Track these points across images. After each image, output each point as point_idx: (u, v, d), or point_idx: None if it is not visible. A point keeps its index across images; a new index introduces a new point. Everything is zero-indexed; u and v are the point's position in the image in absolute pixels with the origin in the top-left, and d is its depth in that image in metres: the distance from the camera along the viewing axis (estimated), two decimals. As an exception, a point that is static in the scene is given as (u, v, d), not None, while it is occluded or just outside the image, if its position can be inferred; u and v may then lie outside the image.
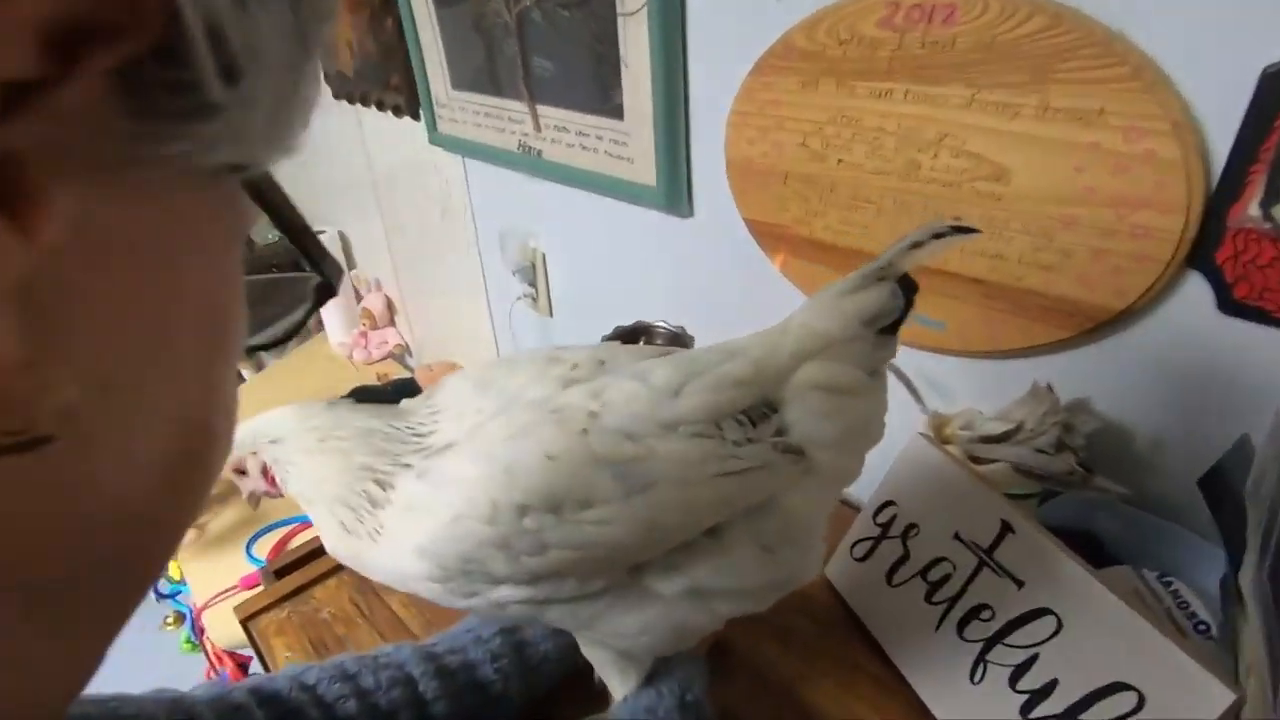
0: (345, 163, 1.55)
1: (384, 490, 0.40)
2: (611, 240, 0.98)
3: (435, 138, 1.17)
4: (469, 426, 0.41)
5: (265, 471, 0.45)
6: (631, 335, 0.76)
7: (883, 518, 0.59)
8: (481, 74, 1.02)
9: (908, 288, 0.42)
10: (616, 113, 0.85)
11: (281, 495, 0.45)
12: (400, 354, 1.72)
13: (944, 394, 0.68)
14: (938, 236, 0.41)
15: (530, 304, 1.17)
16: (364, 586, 0.65)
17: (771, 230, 0.74)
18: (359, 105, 1.38)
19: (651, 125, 0.80)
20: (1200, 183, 0.47)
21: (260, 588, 1.06)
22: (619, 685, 0.46)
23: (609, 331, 0.76)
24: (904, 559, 0.56)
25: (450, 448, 0.40)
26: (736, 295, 0.82)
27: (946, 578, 0.52)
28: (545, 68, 0.92)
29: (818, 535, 0.45)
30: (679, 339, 0.75)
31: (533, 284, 1.14)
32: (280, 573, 0.67)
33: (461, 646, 0.50)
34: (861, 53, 0.60)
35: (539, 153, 0.99)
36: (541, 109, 0.95)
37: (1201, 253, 0.49)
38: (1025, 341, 0.59)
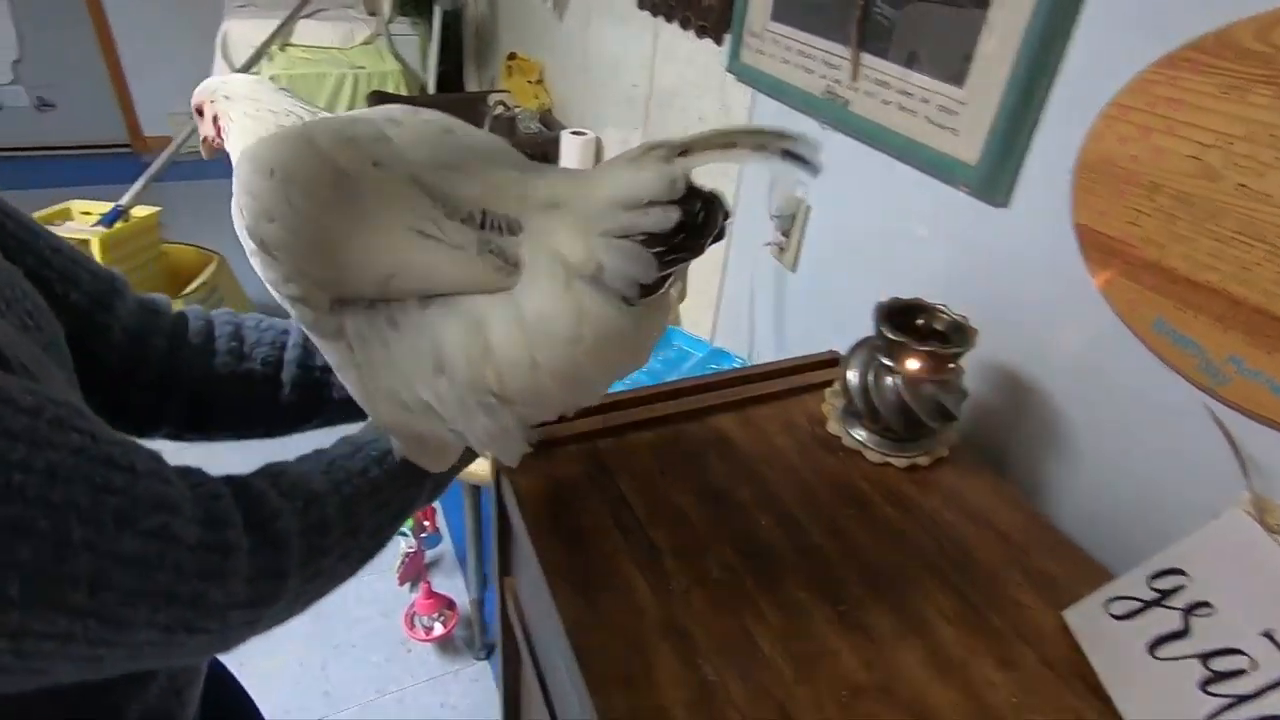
0: (627, 71, 1.60)
1: None
2: (893, 210, 0.93)
3: (735, 65, 1.17)
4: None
5: (215, 121, 0.49)
6: (908, 312, 0.73)
7: (1163, 584, 0.53)
8: (811, 11, 0.99)
9: (698, 202, 0.35)
10: (956, 78, 0.79)
11: (222, 148, 0.50)
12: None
13: (1273, 478, 0.59)
14: (759, 149, 0.36)
15: (776, 253, 1.16)
16: (599, 464, 0.70)
17: (1106, 243, 0.67)
18: (661, 19, 1.41)
19: (998, 98, 0.74)
20: None
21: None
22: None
23: (885, 300, 0.73)
24: (1180, 634, 0.50)
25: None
26: (1033, 300, 0.76)
27: (1239, 673, 0.46)
28: (888, 16, 0.87)
29: (503, 415, 0.40)
30: (960, 328, 0.71)
31: (786, 234, 1.12)
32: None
33: None
34: (1332, 66, 0.50)
35: (846, 103, 0.95)
36: (867, 58, 0.91)
37: None
38: None
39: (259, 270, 0.41)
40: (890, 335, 0.69)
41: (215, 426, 0.55)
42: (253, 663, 1.41)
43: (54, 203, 2.04)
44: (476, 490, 1.21)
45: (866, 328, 0.79)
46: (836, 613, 0.58)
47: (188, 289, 1.90)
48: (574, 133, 1.78)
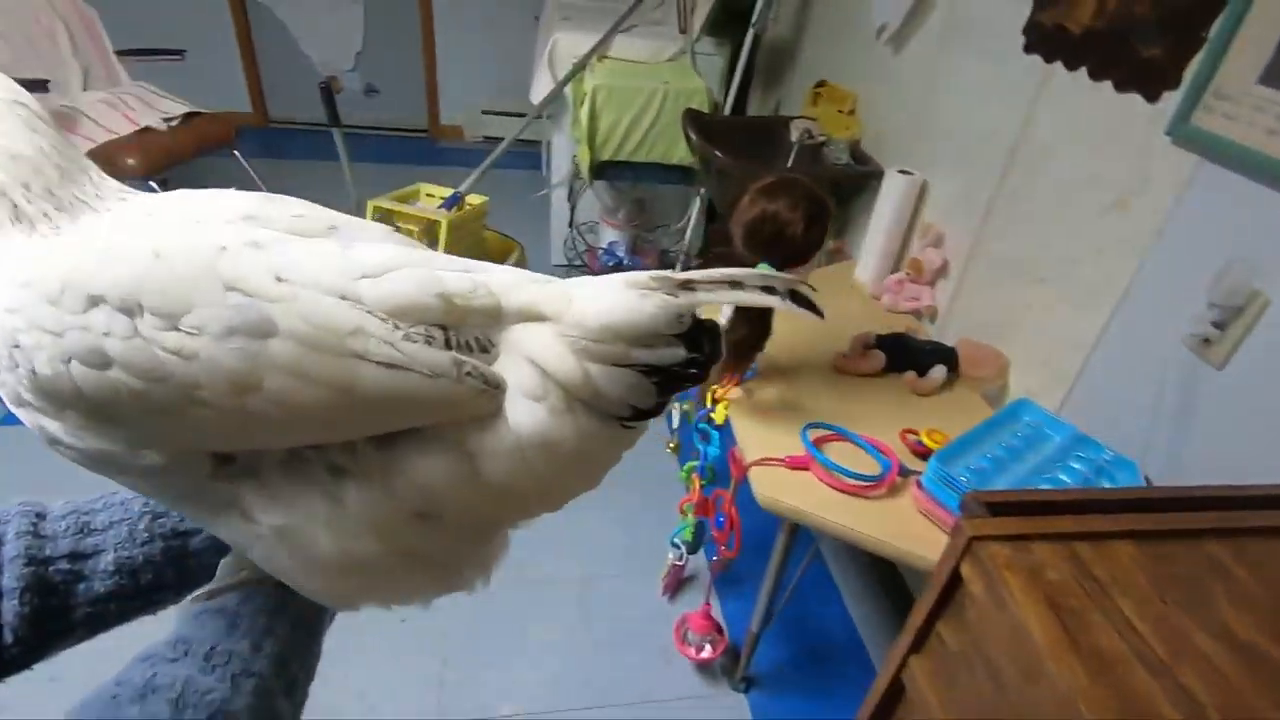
0: (986, 116, 1.50)
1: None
2: None
3: (1181, 129, 1.03)
4: (139, 210, 0.34)
5: None
6: None
7: None
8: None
9: (703, 341, 0.34)
10: None
11: None
12: (923, 315, 1.69)
13: None
14: (768, 290, 0.33)
15: (1196, 344, 1.01)
16: (1087, 572, 0.63)
17: None
18: (1057, 64, 1.30)
19: None
20: None
21: (807, 472, 1.15)
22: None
23: None
24: None
25: (96, 216, 0.33)
26: None
27: None
28: None
29: (484, 536, 0.38)
30: None
31: (1221, 325, 0.98)
32: (995, 509, 0.68)
33: (81, 531, 0.40)
34: None
35: (1379, 192, 0.80)
36: None
37: None
38: None
39: (61, 436, 0.31)
40: None
41: None
42: (525, 635, 1.50)
43: (379, 177, 2.40)
44: (794, 531, 1.19)
45: None
46: None
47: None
48: (901, 171, 1.71)
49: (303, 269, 0.31)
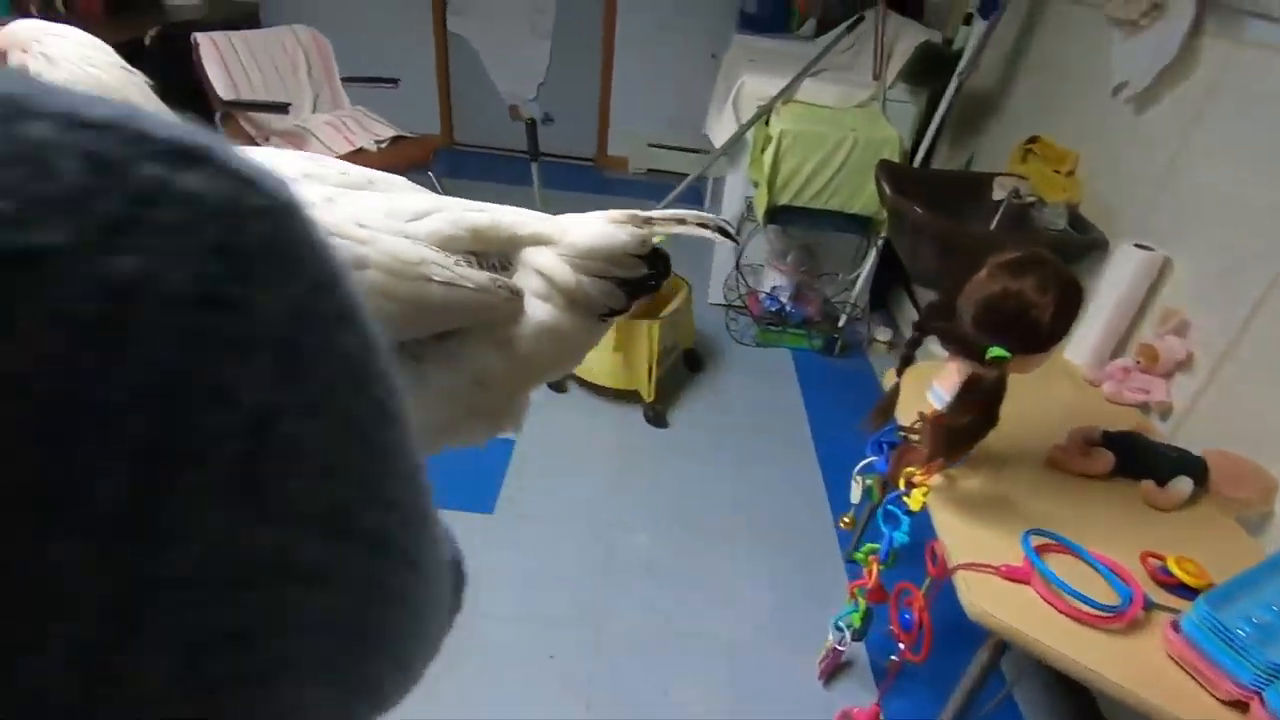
0: (1262, 189, 1.30)
1: None
2: None
3: None
4: None
5: None
6: None
7: None
8: None
9: (658, 260, 0.50)
10: None
11: None
12: (1152, 411, 1.48)
13: None
14: (702, 225, 0.52)
15: None
16: None
17: None
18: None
19: None
20: None
21: (1025, 586, 1.01)
22: None
23: None
24: None
25: None
26: None
27: None
28: None
29: (518, 394, 0.52)
30: None
31: None
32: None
33: None
34: None
35: None
36: None
37: None
38: None
39: None
40: None
41: None
42: (670, 691, 1.44)
43: (547, 203, 2.45)
44: (999, 649, 1.05)
45: None
46: None
47: (663, 312, 2.09)
48: (1137, 246, 1.52)
49: (371, 217, 0.42)
